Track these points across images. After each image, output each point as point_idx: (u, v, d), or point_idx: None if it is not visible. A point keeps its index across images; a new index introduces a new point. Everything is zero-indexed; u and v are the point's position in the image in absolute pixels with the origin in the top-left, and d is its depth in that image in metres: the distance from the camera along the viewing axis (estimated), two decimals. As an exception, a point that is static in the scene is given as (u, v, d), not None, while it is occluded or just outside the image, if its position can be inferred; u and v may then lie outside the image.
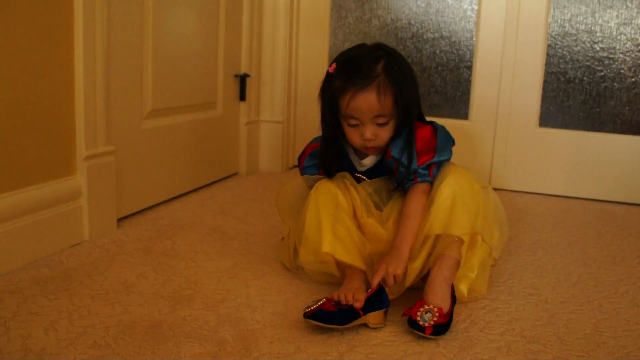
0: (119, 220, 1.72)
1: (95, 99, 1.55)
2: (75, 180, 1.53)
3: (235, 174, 2.46)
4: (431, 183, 1.33)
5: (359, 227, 1.35)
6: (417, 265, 1.25)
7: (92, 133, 1.56)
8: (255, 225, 1.78)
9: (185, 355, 1.02)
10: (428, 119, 1.40)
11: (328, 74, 1.33)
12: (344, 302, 1.14)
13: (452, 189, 1.27)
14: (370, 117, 1.28)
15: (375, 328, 1.16)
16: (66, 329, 1.09)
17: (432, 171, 1.33)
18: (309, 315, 1.13)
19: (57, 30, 1.44)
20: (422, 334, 1.11)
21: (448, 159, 1.35)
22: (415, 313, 1.14)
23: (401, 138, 1.32)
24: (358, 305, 1.13)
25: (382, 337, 1.12)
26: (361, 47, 1.35)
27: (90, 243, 1.55)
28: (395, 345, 1.09)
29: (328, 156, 1.38)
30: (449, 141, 1.36)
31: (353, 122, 1.30)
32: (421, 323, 1.12)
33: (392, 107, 1.28)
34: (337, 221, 1.30)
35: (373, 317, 1.15)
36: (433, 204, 1.27)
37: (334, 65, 1.31)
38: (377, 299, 1.16)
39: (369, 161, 1.40)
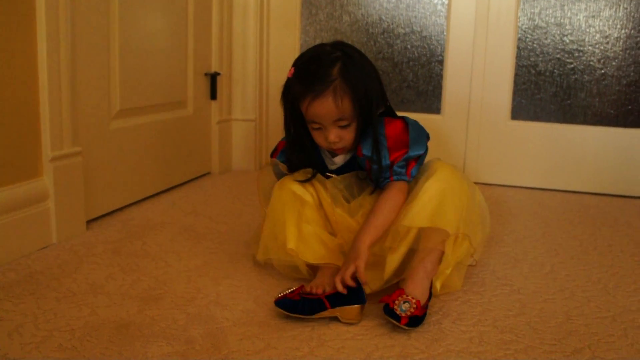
0: (88, 222, 1.69)
1: (61, 99, 1.52)
2: (41, 182, 1.50)
3: (208, 173, 2.44)
4: (408, 182, 1.32)
5: (328, 219, 1.34)
6: (396, 256, 1.25)
7: (58, 134, 1.53)
8: (227, 224, 1.76)
9: (153, 355, 1.00)
10: (400, 114, 1.38)
11: (288, 79, 1.31)
12: (309, 291, 1.16)
13: (441, 185, 1.26)
14: (330, 121, 1.27)
15: (348, 323, 1.14)
16: (31, 333, 1.07)
17: (411, 170, 1.32)
18: (276, 301, 1.16)
19: (19, 28, 1.41)
20: (397, 324, 1.10)
21: (424, 154, 1.34)
22: (394, 301, 1.13)
23: (370, 136, 1.31)
24: (318, 290, 1.16)
25: (353, 331, 1.11)
26: (319, 48, 1.32)
27: (58, 246, 1.52)
28: (366, 339, 1.08)
29: (294, 158, 1.37)
30: (422, 135, 1.34)
31: (316, 125, 1.29)
32: (398, 312, 1.11)
33: (351, 109, 1.26)
34: (301, 218, 1.30)
35: (347, 312, 1.14)
36: (418, 198, 1.25)
37: (292, 70, 1.30)
38: (352, 295, 1.15)
39: (340, 159, 1.39)
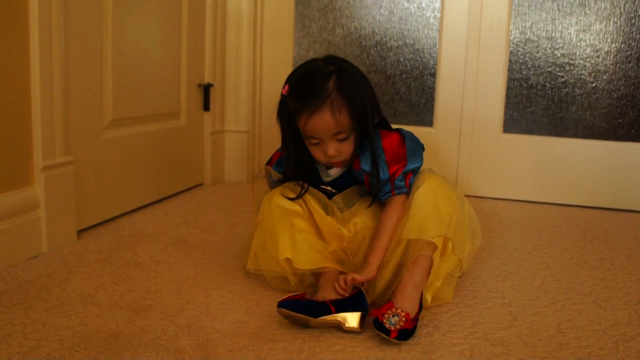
0: (79, 232, 1.68)
1: (53, 108, 1.52)
2: (32, 191, 1.50)
3: (200, 184, 2.43)
4: (408, 194, 1.32)
5: (318, 228, 1.35)
6: (388, 270, 1.25)
7: (50, 143, 1.53)
8: (219, 235, 1.75)
9: (142, 366, 1.00)
10: (393, 126, 1.39)
11: (282, 96, 1.32)
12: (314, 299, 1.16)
13: (427, 197, 1.27)
14: (329, 135, 1.27)
15: (350, 331, 1.14)
16: (19, 343, 1.06)
17: (409, 180, 1.33)
18: (280, 303, 1.14)
19: (12, 36, 1.41)
20: (387, 337, 1.10)
21: (420, 165, 1.35)
22: (383, 315, 1.13)
23: (368, 150, 1.31)
24: (325, 296, 1.17)
25: (344, 343, 1.10)
26: (312, 64, 1.32)
27: (49, 255, 1.51)
28: (357, 351, 1.08)
29: (295, 174, 1.38)
30: (419, 147, 1.36)
31: (314, 140, 1.30)
32: (387, 326, 1.11)
33: (348, 122, 1.26)
34: (294, 228, 1.30)
35: (349, 320, 1.14)
36: (408, 210, 1.27)
37: (286, 87, 1.30)
38: (356, 302, 1.16)
39: (334, 172, 1.39)
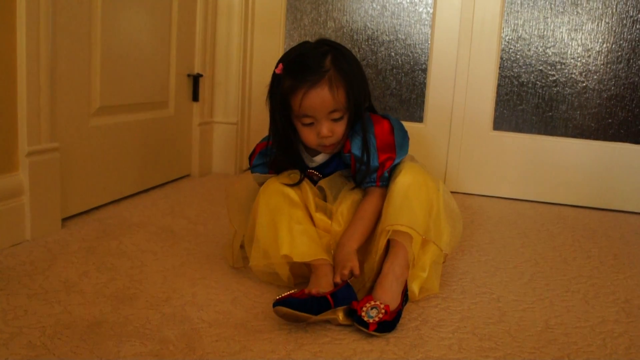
0: (64, 220, 1.66)
1: (39, 93, 1.50)
2: (16, 177, 1.47)
3: (188, 175, 2.41)
4: (386, 187, 1.33)
5: (312, 219, 1.33)
6: (376, 263, 1.24)
7: (36, 128, 1.50)
8: (205, 225, 1.73)
9: (125, 354, 0.98)
10: None
11: (275, 75, 1.30)
12: (315, 294, 1.10)
13: (405, 186, 1.26)
14: (325, 113, 1.26)
15: (344, 324, 1.13)
16: None
17: (390, 172, 1.33)
18: (279, 301, 1.08)
19: (-2, 20, 1.38)
20: (366, 330, 1.09)
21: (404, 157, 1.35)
22: (361, 308, 1.11)
23: (359, 135, 1.30)
24: (320, 289, 1.12)
25: (331, 335, 1.09)
26: (305, 44, 1.32)
27: (32, 242, 1.48)
28: (344, 344, 1.06)
29: (282, 159, 1.35)
30: (406, 138, 1.36)
31: (307, 120, 1.28)
32: (365, 319, 1.09)
33: (344, 100, 1.26)
34: (292, 219, 1.27)
35: (342, 314, 1.13)
36: (387, 199, 1.26)
37: (280, 66, 1.28)
38: (346, 294, 1.14)
39: (320, 157, 1.37)
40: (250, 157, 1.46)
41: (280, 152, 1.35)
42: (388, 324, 1.10)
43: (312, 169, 1.38)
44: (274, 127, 1.34)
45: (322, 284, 1.17)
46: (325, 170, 1.38)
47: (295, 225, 1.26)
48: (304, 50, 1.29)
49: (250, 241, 1.33)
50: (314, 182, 1.38)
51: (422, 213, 1.25)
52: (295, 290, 1.15)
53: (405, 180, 1.28)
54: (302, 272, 1.29)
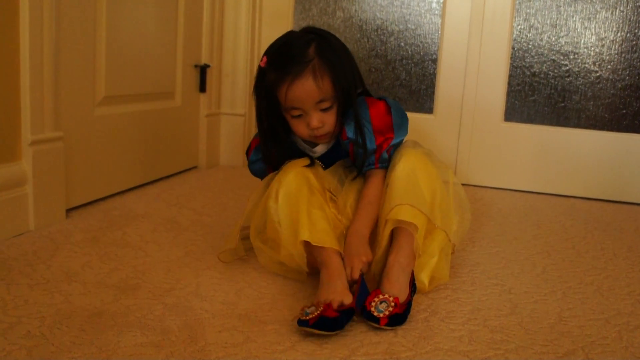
0: (68, 210, 1.64)
1: (43, 81, 1.47)
2: (20, 166, 1.45)
3: (195, 167, 2.38)
4: (387, 168, 1.30)
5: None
6: (381, 254, 1.21)
7: (39, 117, 1.48)
8: (211, 216, 1.71)
9: (126, 344, 0.95)
10: None
11: (260, 68, 1.26)
12: (339, 307, 1.05)
13: (404, 172, 1.23)
14: (312, 104, 1.22)
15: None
16: (-1, 319, 1.01)
17: (390, 154, 1.30)
18: (312, 324, 1.00)
19: (0, 7, 1.36)
20: (377, 325, 1.05)
21: (404, 138, 1.32)
22: (370, 303, 1.08)
23: (353, 120, 1.27)
24: (341, 301, 1.06)
25: (338, 327, 1.06)
26: (290, 34, 1.29)
27: (36, 233, 1.46)
28: (351, 335, 1.03)
29: (271, 152, 1.32)
30: (404, 118, 1.32)
31: (296, 112, 1.24)
32: (375, 314, 1.06)
33: (331, 89, 1.22)
34: (311, 205, 1.21)
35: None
36: (387, 187, 1.23)
37: (264, 59, 1.25)
38: (364, 292, 1.11)
39: (320, 148, 1.34)
40: (247, 152, 1.43)
41: (268, 146, 1.31)
42: (399, 317, 1.07)
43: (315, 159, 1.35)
44: (259, 123, 1.30)
45: (338, 289, 1.10)
46: (327, 160, 1.35)
47: (314, 210, 1.21)
48: (287, 40, 1.26)
49: (258, 232, 1.29)
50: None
51: (426, 197, 1.22)
52: (323, 306, 1.04)
53: (405, 167, 1.24)
54: (310, 261, 1.24)
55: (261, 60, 1.26)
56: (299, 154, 1.34)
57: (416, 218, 1.19)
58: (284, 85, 1.21)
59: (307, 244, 1.18)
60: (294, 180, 1.24)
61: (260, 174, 1.42)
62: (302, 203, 1.21)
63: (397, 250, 1.18)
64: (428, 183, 1.24)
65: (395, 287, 1.12)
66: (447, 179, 1.33)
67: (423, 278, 1.23)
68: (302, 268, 1.23)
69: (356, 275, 1.14)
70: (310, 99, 1.21)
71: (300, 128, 1.26)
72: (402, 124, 1.30)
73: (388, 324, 1.05)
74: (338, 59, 1.24)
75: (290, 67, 1.20)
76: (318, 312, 1.02)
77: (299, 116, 1.25)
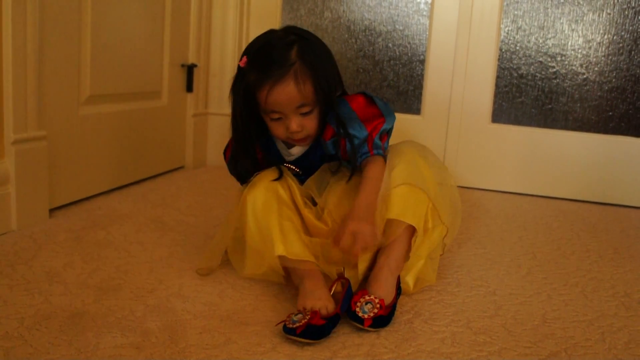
0: (52, 210, 1.62)
1: (26, 79, 1.46)
2: (2, 165, 1.44)
3: (182, 167, 2.37)
4: (385, 158, 1.26)
5: (301, 217, 1.27)
6: (369, 254, 1.19)
7: (22, 116, 1.47)
8: (196, 217, 1.70)
9: (105, 346, 0.94)
10: None
11: (239, 68, 1.22)
12: (326, 314, 1.05)
13: (403, 175, 1.20)
14: (292, 109, 1.19)
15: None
16: (-23, 320, 1.00)
17: (384, 143, 1.27)
18: (299, 332, 0.99)
19: (-18, 3, 1.34)
20: (361, 326, 1.05)
21: (393, 126, 1.30)
22: (355, 303, 1.07)
23: (335, 117, 1.25)
24: (325, 309, 1.06)
25: (321, 328, 1.05)
26: (271, 34, 1.24)
27: (18, 233, 1.45)
28: (333, 337, 1.03)
29: (242, 159, 1.29)
30: (388, 104, 1.30)
31: (275, 115, 1.21)
32: (360, 314, 1.05)
33: (312, 93, 1.19)
34: (282, 217, 1.20)
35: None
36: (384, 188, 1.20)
37: (244, 59, 1.21)
38: (348, 297, 1.10)
39: (297, 150, 1.32)
40: (225, 153, 1.41)
41: (241, 151, 1.28)
42: (383, 319, 1.07)
43: (290, 163, 1.32)
44: (234, 124, 1.27)
45: (323, 296, 1.09)
46: (303, 163, 1.32)
47: (285, 222, 1.20)
48: (269, 41, 1.22)
49: (235, 249, 1.28)
50: (300, 181, 1.31)
51: (422, 204, 1.20)
52: (300, 313, 1.04)
53: (402, 170, 1.21)
54: (285, 269, 1.22)
55: (240, 59, 1.22)
56: (275, 154, 1.33)
57: (415, 220, 1.18)
58: (264, 89, 1.17)
59: (282, 256, 1.16)
60: (262, 195, 1.21)
61: (238, 173, 1.39)
62: (273, 218, 1.19)
63: (389, 252, 1.17)
64: (424, 184, 1.22)
65: (382, 289, 1.11)
66: (443, 181, 1.31)
67: (408, 280, 1.22)
68: (279, 279, 1.23)
69: (343, 241, 1.11)
70: (291, 103, 1.18)
71: (278, 131, 1.24)
72: (388, 110, 1.27)
73: (372, 325, 1.05)
74: (320, 62, 1.21)
75: (271, 71, 1.17)
76: (305, 320, 1.01)
77: (278, 119, 1.22)
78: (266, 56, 1.19)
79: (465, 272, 1.38)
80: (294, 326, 1.00)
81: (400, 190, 1.19)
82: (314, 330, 1.00)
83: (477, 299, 1.23)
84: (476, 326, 1.10)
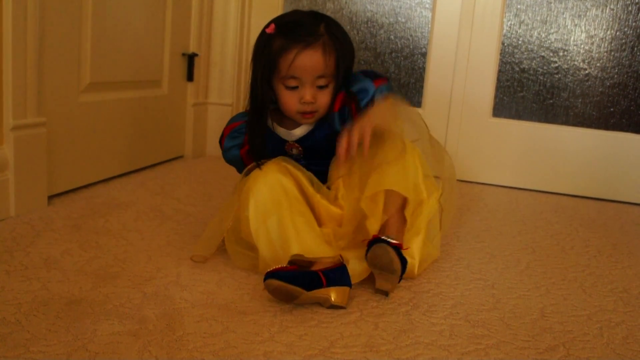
0: (51, 197, 1.62)
1: (26, 65, 1.45)
2: (1, 152, 1.43)
3: (181, 156, 2.37)
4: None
5: (312, 206, 1.26)
6: (376, 220, 1.20)
7: (21, 102, 1.46)
8: (195, 206, 1.69)
9: (102, 333, 0.94)
10: None
11: (265, 35, 1.24)
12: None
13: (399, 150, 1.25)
14: (312, 78, 1.22)
15: (337, 306, 1.09)
16: (-26, 305, 1.00)
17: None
18: (270, 274, 1.04)
19: (-18, -12, 1.34)
20: (399, 247, 1.15)
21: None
22: (379, 236, 1.16)
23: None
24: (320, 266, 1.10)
25: (318, 319, 1.05)
26: (297, 12, 1.30)
27: (16, 219, 1.44)
28: (331, 327, 1.02)
29: (257, 129, 1.29)
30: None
31: (293, 83, 1.22)
32: (389, 240, 1.13)
33: (334, 68, 1.24)
34: (293, 214, 1.19)
35: (335, 294, 1.08)
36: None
37: (272, 26, 1.24)
38: (344, 275, 1.10)
39: (299, 131, 1.31)
40: (220, 140, 1.40)
41: (256, 120, 1.28)
42: (404, 260, 1.16)
43: (293, 141, 1.32)
44: (254, 91, 1.27)
45: (316, 263, 1.11)
46: (306, 143, 1.31)
47: (297, 218, 1.19)
48: (297, 16, 1.27)
49: (236, 239, 1.27)
50: (294, 157, 1.31)
51: (410, 176, 1.25)
52: (287, 265, 1.09)
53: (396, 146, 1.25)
54: None
55: (267, 26, 1.24)
56: (275, 141, 1.32)
57: (405, 191, 1.22)
58: (292, 52, 1.20)
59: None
60: (268, 192, 1.20)
61: (235, 161, 1.39)
62: (285, 216, 1.18)
63: (386, 227, 1.21)
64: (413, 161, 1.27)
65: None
66: (442, 160, 1.37)
67: (413, 250, 1.25)
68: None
69: (341, 148, 1.17)
70: (314, 70, 1.21)
71: (291, 100, 1.24)
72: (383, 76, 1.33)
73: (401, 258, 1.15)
74: (345, 42, 1.26)
75: (303, 36, 1.20)
76: (280, 266, 1.08)
77: (294, 88, 1.23)
78: (297, 24, 1.23)
79: (464, 266, 1.38)
80: (268, 271, 1.06)
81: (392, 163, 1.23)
82: (284, 275, 1.04)
83: (476, 292, 1.23)
84: (474, 319, 1.10)
